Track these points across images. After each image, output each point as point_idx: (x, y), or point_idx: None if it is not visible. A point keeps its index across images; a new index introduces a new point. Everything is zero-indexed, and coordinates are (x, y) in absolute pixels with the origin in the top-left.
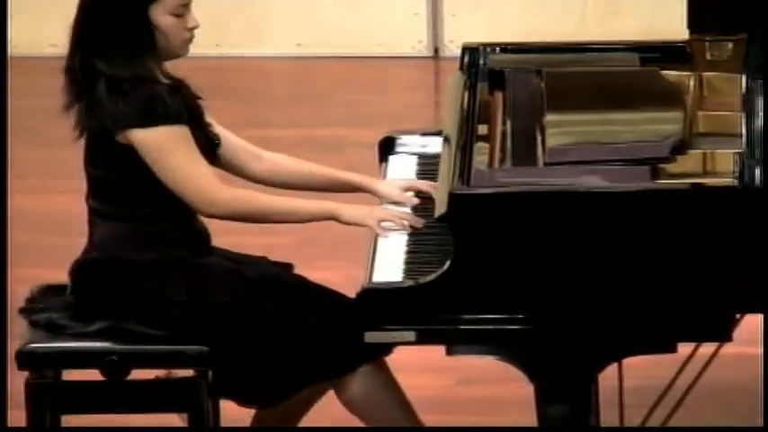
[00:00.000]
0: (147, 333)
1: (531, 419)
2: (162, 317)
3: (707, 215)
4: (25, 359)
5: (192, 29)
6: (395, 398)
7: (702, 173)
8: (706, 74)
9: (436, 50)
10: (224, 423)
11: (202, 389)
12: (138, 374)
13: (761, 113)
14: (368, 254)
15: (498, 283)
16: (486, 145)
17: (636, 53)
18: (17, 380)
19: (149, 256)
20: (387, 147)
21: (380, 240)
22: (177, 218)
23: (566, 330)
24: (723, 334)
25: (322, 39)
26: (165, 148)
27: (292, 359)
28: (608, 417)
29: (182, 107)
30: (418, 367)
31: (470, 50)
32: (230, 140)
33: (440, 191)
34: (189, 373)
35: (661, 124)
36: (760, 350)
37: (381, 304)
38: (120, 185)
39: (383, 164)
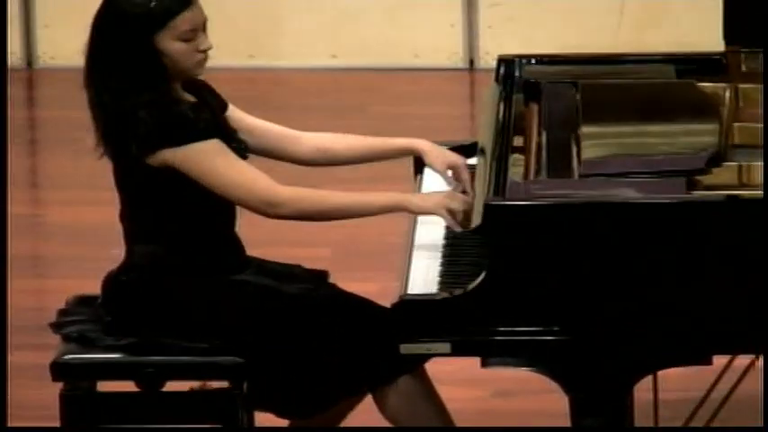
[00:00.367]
0: (181, 346)
1: None
2: (195, 334)
3: (742, 227)
4: (60, 371)
5: (204, 51)
6: (434, 408)
7: (738, 185)
8: (742, 85)
9: (472, 62)
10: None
11: (237, 400)
12: (172, 386)
13: None
14: (403, 265)
15: (533, 295)
16: (522, 157)
17: (671, 65)
18: (52, 391)
19: (182, 276)
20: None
21: (415, 252)
22: (209, 236)
23: (601, 342)
24: (758, 346)
25: (357, 50)
26: (207, 162)
27: (330, 371)
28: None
29: (208, 121)
30: (453, 379)
31: (506, 62)
32: (270, 130)
33: (475, 203)
34: (224, 384)
35: (697, 136)
36: None
37: (416, 316)
38: (150, 207)
39: (418, 175)
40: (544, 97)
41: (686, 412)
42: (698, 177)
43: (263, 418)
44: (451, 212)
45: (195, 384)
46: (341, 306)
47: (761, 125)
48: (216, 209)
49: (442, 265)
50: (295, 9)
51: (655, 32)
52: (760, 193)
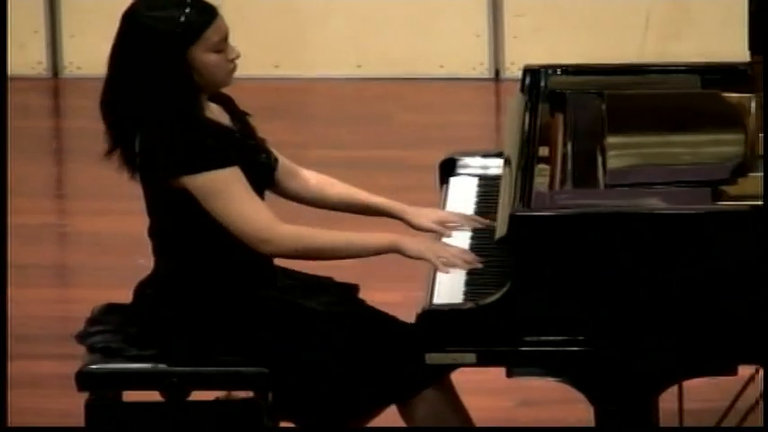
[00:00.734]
0: (206, 356)
1: None
2: (221, 348)
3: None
4: (85, 380)
5: (233, 60)
6: (459, 420)
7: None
8: None
9: (497, 72)
10: None
11: (262, 411)
12: (197, 396)
13: None
14: (428, 275)
15: (558, 305)
16: (547, 167)
17: (696, 75)
18: (77, 401)
19: (207, 292)
20: (447, 168)
21: None
22: (235, 251)
23: (626, 352)
24: None
25: (382, 60)
26: (217, 191)
27: (356, 385)
28: None
29: (228, 149)
30: (479, 389)
31: (531, 72)
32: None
33: (501, 213)
34: (249, 394)
35: (722, 146)
36: None
37: (442, 326)
38: (176, 223)
39: (444, 186)
40: (569, 107)
41: (711, 422)
42: (723, 188)
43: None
44: (442, 260)
45: (220, 394)
46: (365, 321)
47: None
48: None
49: (468, 274)
50: (320, 19)
51: (680, 43)
52: None
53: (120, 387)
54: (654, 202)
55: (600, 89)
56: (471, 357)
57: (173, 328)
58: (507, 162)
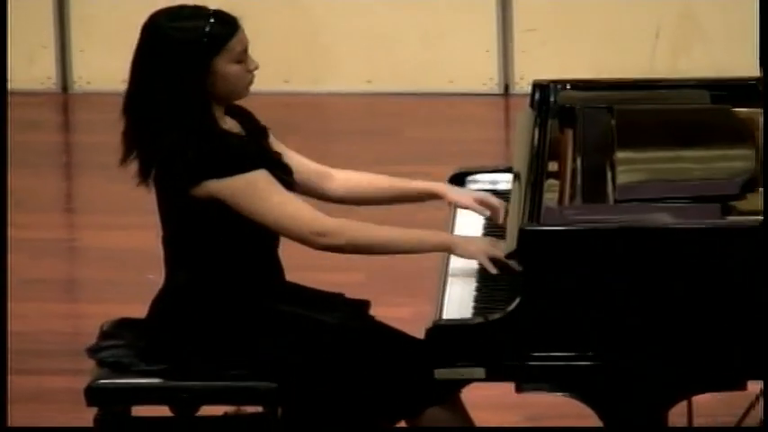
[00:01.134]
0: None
1: None
2: (231, 363)
3: None
4: (95, 395)
5: (252, 71)
6: None
7: None
8: None
9: (507, 87)
10: None
11: (271, 425)
12: (207, 411)
13: None
14: (437, 290)
15: (568, 320)
16: (557, 182)
17: (706, 90)
18: (86, 416)
19: (220, 303)
20: (457, 183)
21: (449, 276)
22: (249, 264)
23: (635, 367)
24: None
25: (392, 75)
26: (256, 192)
27: (365, 400)
28: None
29: (254, 151)
30: (487, 404)
31: (541, 87)
32: (303, 165)
33: (510, 227)
34: (258, 409)
35: (732, 161)
36: None
37: (451, 341)
38: (192, 236)
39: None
40: (579, 122)
41: None
42: (733, 203)
43: None
44: (492, 259)
45: (230, 409)
46: (375, 337)
47: None
48: (258, 237)
49: (477, 289)
50: (330, 34)
51: (690, 57)
52: None
53: (129, 402)
54: (663, 218)
55: (609, 104)
56: (480, 372)
57: (184, 341)
58: (517, 177)
